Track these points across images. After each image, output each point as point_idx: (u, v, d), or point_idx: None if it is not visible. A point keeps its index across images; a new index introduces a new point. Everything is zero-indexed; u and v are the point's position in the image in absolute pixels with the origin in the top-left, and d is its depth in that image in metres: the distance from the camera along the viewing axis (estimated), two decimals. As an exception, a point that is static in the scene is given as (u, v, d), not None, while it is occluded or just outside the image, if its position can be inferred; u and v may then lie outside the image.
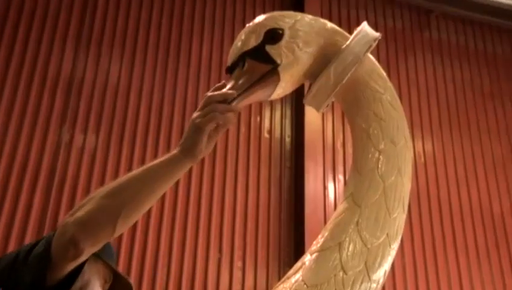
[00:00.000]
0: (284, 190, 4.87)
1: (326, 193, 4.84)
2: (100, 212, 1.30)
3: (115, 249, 4.11)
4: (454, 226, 5.15)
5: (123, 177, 1.37)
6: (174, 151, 1.38)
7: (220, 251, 4.44)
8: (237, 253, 4.47)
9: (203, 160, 4.65)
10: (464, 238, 5.13)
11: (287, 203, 4.83)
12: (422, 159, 5.34)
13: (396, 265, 4.78)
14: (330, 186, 4.90)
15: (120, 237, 4.20)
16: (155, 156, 4.56)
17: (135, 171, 1.38)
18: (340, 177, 4.96)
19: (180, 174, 1.38)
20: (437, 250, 4.99)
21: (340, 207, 1.32)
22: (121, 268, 4.15)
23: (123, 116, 4.65)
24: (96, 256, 1.57)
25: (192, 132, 1.35)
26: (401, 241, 4.48)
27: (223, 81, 1.39)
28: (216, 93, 1.34)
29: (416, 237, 4.97)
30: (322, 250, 1.24)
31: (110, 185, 1.36)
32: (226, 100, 1.31)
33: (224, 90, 1.34)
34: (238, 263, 4.45)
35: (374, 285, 1.23)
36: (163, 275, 4.23)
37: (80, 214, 1.32)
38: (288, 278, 1.24)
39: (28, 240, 4.06)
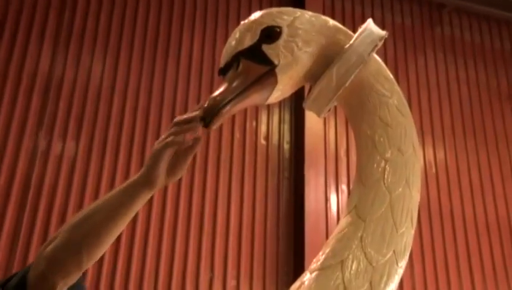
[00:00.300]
0: (282, 202, 4.88)
1: (328, 206, 4.85)
2: (65, 246, 1.39)
3: (96, 267, 4.11)
4: (468, 241, 5.17)
5: (88, 207, 1.44)
6: (135, 176, 1.43)
7: (212, 269, 4.44)
8: (231, 272, 4.47)
9: (193, 169, 4.65)
10: (480, 255, 5.15)
11: (285, 216, 4.83)
12: (434, 168, 5.36)
13: (405, 285, 4.79)
14: (333, 198, 4.92)
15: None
16: (140, 165, 4.56)
17: (98, 200, 1.44)
18: (344, 187, 4.98)
19: (141, 203, 1.43)
20: (450, 268, 5.01)
21: (343, 221, 1.33)
22: (103, 288, 4.14)
23: (106, 121, 4.66)
24: None
25: (150, 157, 1.41)
26: (410, 258, 4.49)
27: (200, 103, 1.41)
28: (181, 117, 1.39)
29: (427, 254, 4.98)
30: (322, 268, 1.25)
31: (76, 215, 1.44)
32: (201, 120, 1.33)
33: (216, 94, 1.35)
34: (231, 283, 4.44)
35: (379, 307, 1.23)
36: (149, 296, 4.23)
37: (49, 247, 1.41)
38: (286, 299, 1.25)
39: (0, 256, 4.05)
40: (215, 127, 1.36)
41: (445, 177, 5.37)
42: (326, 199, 4.87)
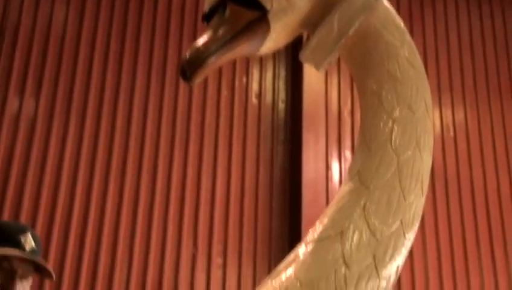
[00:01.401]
0: (276, 169, 4.91)
1: (329, 175, 4.89)
2: None
3: (61, 243, 4.15)
4: (490, 215, 5.24)
5: None
6: None
7: (195, 244, 4.49)
8: (216, 247, 4.53)
9: (173, 132, 4.66)
10: (502, 230, 5.22)
11: (279, 186, 4.87)
12: (452, 132, 5.40)
13: (416, 259, 4.84)
14: (334, 166, 4.95)
15: (68, 223, 4.24)
16: (112, 127, 4.57)
17: None
18: (347, 154, 5.01)
19: None
20: (468, 243, 5.09)
21: (344, 188, 1.36)
22: (68, 264, 4.18)
23: (70, 75, 4.64)
24: None
25: None
26: (422, 229, 4.52)
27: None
28: None
29: (442, 227, 5.04)
30: (320, 240, 1.29)
31: None
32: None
33: (200, 43, 1.36)
34: (217, 260, 4.51)
35: (383, 283, 1.27)
36: (123, 274, 4.27)
37: None
38: (278, 273, 1.29)
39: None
40: (198, 81, 1.38)
41: (465, 143, 5.40)
42: (327, 167, 4.90)
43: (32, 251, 2.20)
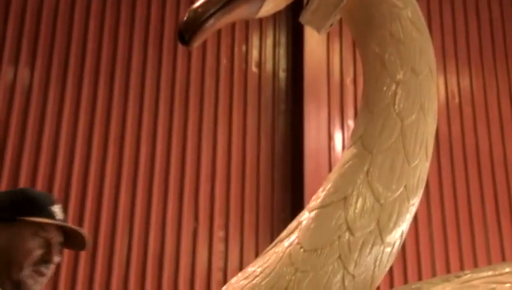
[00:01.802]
0: (277, 140, 4.92)
1: (331, 145, 4.89)
2: None
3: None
4: (496, 182, 5.25)
5: None
6: None
7: (196, 218, 4.51)
8: (218, 221, 4.55)
9: (171, 102, 4.65)
10: (509, 198, 5.24)
11: (281, 157, 4.88)
12: (457, 98, 5.39)
13: (421, 226, 4.86)
14: (337, 135, 4.95)
15: (67, 196, 4.25)
16: (109, 97, 4.56)
17: None
18: (350, 123, 5.01)
19: None
20: (473, 211, 5.11)
21: (347, 153, 1.36)
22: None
23: (66, 43, 4.61)
24: None
25: None
26: (428, 197, 4.52)
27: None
28: None
29: (447, 193, 5.06)
30: (323, 206, 1.29)
31: None
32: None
33: (198, 5, 1.36)
34: (219, 234, 4.53)
35: (388, 249, 1.28)
36: (123, 249, 4.30)
37: None
38: (281, 241, 1.29)
39: None
40: (196, 44, 1.37)
41: (470, 109, 5.40)
42: (330, 137, 4.90)
43: (64, 221, 2.25)
